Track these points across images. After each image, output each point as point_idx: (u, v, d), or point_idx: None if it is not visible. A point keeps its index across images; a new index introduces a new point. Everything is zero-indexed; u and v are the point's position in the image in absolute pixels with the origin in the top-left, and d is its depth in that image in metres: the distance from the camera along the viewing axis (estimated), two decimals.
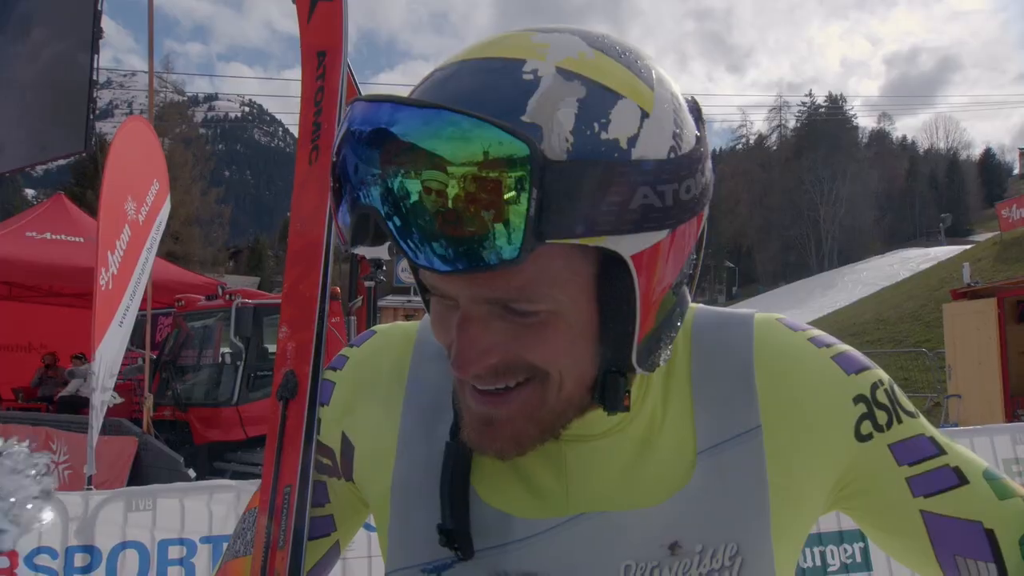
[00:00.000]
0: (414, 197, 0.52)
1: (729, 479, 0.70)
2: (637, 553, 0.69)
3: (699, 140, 0.63)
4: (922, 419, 0.75)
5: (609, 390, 0.66)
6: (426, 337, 0.81)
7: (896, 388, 0.76)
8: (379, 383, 0.81)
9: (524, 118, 0.55)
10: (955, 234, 58.11)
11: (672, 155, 0.59)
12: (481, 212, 0.52)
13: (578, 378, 0.65)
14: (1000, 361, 11.10)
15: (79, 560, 3.41)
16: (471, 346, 0.62)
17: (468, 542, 0.70)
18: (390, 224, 0.54)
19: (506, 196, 0.52)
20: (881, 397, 0.74)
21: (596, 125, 0.56)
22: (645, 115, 0.58)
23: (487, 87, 0.57)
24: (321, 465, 0.81)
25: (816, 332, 0.78)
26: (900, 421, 0.74)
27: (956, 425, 10.48)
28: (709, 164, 0.66)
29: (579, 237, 0.56)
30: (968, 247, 36.90)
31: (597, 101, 0.57)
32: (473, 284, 0.59)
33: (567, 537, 0.70)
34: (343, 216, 0.58)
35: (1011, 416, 10.29)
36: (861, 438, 0.73)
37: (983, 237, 43.49)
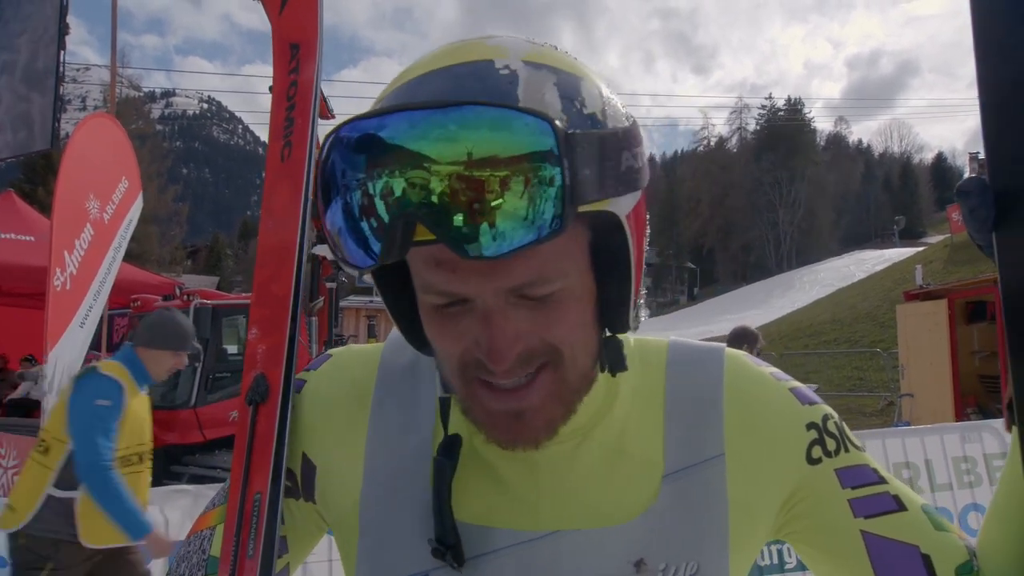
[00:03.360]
0: (458, 194, 0.55)
1: (692, 502, 0.74)
2: (605, 569, 0.72)
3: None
4: (867, 454, 0.81)
5: (613, 352, 0.71)
6: (392, 359, 0.83)
7: (843, 423, 0.82)
8: (339, 403, 0.82)
9: (521, 105, 0.58)
10: (908, 236, 59.58)
11: (628, 123, 0.65)
12: (527, 190, 0.55)
13: (586, 350, 0.69)
14: (951, 361, 11.40)
15: None
16: (502, 338, 0.63)
17: (460, 552, 0.71)
18: (435, 224, 0.56)
19: (545, 173, 0.55)
20: (831, 427, 0.80)
21: (576, 103, 0.61)
22: (601, 92, 0.64)
23: (471, 85, 0.59)
24: None
25: (775, 369, 0.85)
26: (847, 450, 0.80)
27: (908, 423, 10.74)
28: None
29: (595, 202, 0.59)
30: (921, 249, 37.93)
31: (567, 83, 0.62)
32: (494, 277, 0.61)
33: (540, 553, 0.72)
34: (364, 232, 0.58)
35: (961, 415, 10.59)
36: (811, 461, 0.78)
37: (935, 239, 44.71)
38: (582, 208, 0.58)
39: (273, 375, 0.75)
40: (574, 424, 0.73)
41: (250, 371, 0.76)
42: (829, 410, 0.82)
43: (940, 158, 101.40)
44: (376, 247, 0.58)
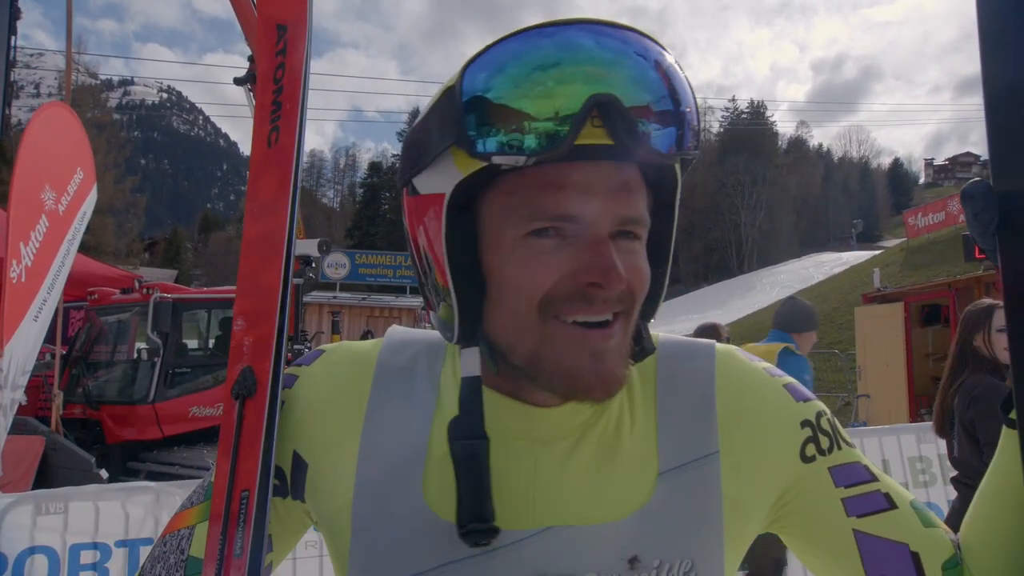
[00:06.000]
0: (647, 98, 0.65)
1: (687, 499, 0.74)
2: (599, 566, 0.71)
3: None
4: (859, 451, 0.82)
5: (645, 333, 0.75)
6: (389, 360, 0.82)
7: (836, 419, 0.83)
8: (334, 402, 0.80)
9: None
10: (866, 239, 60.80)
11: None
12: (684, 111, 0.66)
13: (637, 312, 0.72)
14: (906, 363, 11.68)
15: None
16: (614, 263, 0.66)
17: (495, 530, 0.69)
18: (631, 112, 0.64)
19: (693, 101, 0.68)
20: (824, 425, 0.81)
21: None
22: None
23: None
24: None
25: (768, 364, 0.85)
26: (840, 448, 0.80)
27: (865, 424, 10.97)
28: None
29: (691, 153, 0.69)
30: (878, 252, 38.76)
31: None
32: (617, 201, 0.67)
33: (534, 550, 0.71)
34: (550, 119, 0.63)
35: (915, 415, 10.84)
36: (805, 459, 0.78)
37: (891, 243, 45.74)
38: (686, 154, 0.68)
39: (261, 368, 0.72)
40: (576, 420, 0.74)
41: (236, 364, 0.73)
42: (822, 407, 0.82)
43: (897, 163, 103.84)
44: (548, 137, 0.63)
